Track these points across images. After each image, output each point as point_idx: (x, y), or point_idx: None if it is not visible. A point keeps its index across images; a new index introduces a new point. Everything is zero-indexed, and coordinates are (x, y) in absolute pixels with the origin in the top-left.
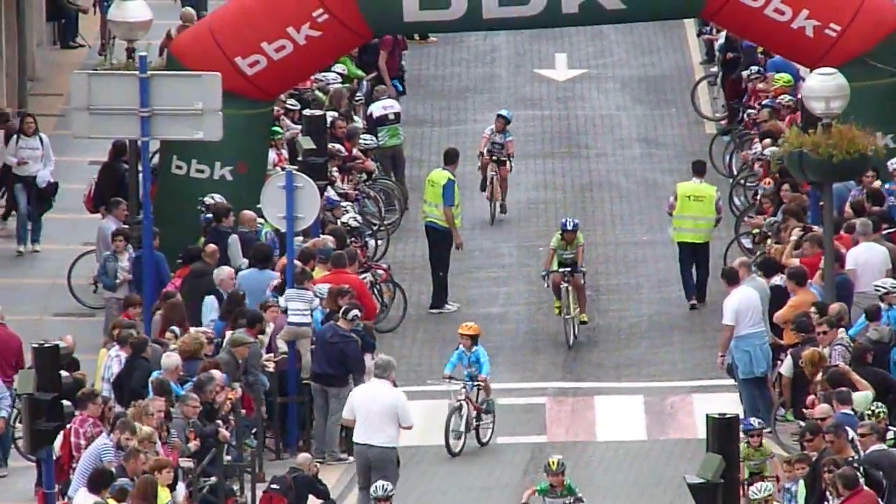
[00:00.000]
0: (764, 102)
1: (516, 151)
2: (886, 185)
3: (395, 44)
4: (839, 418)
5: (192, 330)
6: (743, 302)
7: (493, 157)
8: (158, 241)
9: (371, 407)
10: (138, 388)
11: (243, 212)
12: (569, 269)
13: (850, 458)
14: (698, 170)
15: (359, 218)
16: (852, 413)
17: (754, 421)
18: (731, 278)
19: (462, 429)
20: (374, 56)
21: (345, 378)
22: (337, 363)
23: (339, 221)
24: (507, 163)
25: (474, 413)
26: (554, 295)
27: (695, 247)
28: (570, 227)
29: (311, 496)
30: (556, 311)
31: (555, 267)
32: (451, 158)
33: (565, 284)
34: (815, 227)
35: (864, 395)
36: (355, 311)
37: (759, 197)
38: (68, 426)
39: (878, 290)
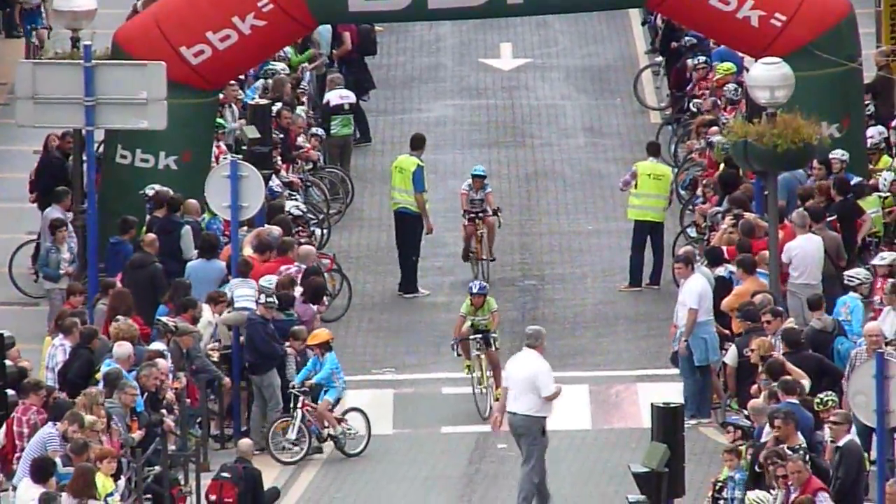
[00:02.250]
0: (711, 98)
1: (464, 140)
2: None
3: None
4: (784, 407)
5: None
6: (704, 288)
7: (476, 214)
8: (135, 231)
9: (517, 375)
10: (76, 378)
11: (188, 201)
12: (481, 335)
13: (798, 446)
14: (654, 150)
15: (302, 206)
16: (798, 402)
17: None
18: (689, 262)
19: (293, 437)
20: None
21: (267, 365)
22: (250, 350)
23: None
24: (490, 215)
25: (322, 424)
26: (463, 355)
27: (652, 226)
28: (475, 291)
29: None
30: (466, 370)
31: (468, 333)
32: (417, 143)
33: (476, 352)
34: (747, 215)
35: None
36: (267, 297)
37: (701, 186)
38: (11, 415)
39: (851, 282)
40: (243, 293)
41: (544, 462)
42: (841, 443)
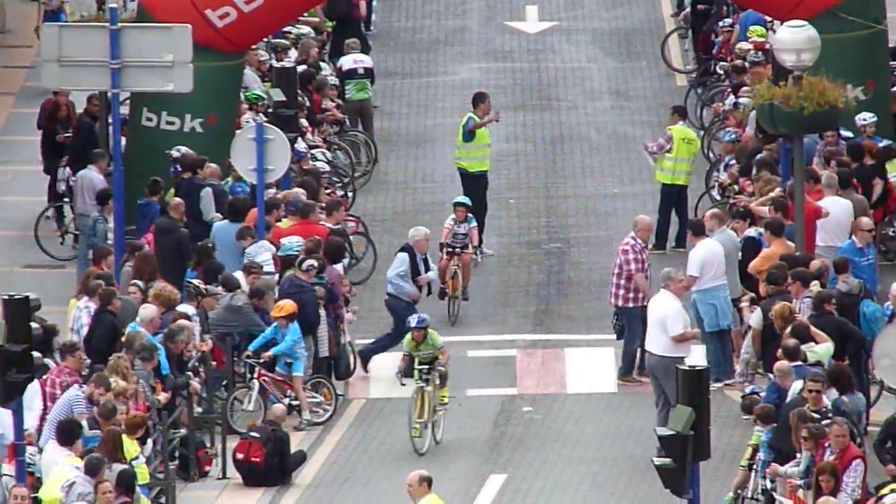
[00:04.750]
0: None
1: (490, 103)
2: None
3: None
4: (813, 372)
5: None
6: (708, 254)
7: (454, 249)
8: (163, 193)
9: (651, 316)
10: (100, 345)
11: (208, 165)
12: (427, 366)
13: (824, 409)
14: (683, 113)
15: (328, 155)
16: (802, 364)
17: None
18: (698, 230)
19: (251, 408)
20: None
21: (305, 329)
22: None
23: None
24: (469, 249)
25: (281, 394)
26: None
27: (680, 189)
28: (414, 324)
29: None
30: (415, 431)
31: (415, 364)
32: (475, 100)
33: (420, 384)
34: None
35: (825, 348)
36: (310, 262)
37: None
38: (45, 377)
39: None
40: (267, 258)
41: None
42: None
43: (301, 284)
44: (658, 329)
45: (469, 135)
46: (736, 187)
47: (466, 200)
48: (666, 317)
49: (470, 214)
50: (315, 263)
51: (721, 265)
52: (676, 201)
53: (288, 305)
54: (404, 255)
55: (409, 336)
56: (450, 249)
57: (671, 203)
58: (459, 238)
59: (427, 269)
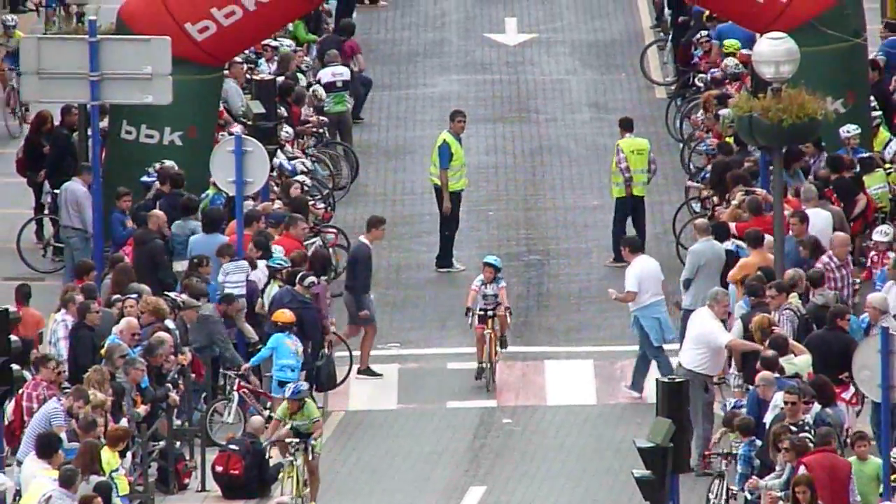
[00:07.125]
0: (714, 71)
1: (469, 115)
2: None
3: None
4: (792, 384)
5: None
6: (644, 271)
7: (487, 312)
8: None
9: (689, 332)
10: (85, 363)
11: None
12: (299, 439)
13: (802, 421)
14: (628, 126)
15: (308, 166)
16: (778, 377)
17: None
18: (634, 247)
19: (230, 420)
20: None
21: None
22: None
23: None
24: (504, 313)
25: (262, 406)
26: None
27: (636, 200)
28: (289, 395)
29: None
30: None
31: (287, 436)
32: (451, 117)
33: (290, 458)
34: (759, 191)
35: (804, 360)
36: (312, 278)
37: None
38: (21, 390)
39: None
40: (236, 279)
41: (711, 413)
42: None
43: (303, 300)
44: (692, 344)
45: (445, 160)
46: (716, 199)
47: (496, 261)
48: (703, 335)
49: (499, 275)
50: (315, 279)
51: (657, 283)
52: (633, 211)
53: (288, 315)
54: None
55: (284, 404)
56: (481, 313)
57: (624, 214)
58: (490, 299)
59: None
